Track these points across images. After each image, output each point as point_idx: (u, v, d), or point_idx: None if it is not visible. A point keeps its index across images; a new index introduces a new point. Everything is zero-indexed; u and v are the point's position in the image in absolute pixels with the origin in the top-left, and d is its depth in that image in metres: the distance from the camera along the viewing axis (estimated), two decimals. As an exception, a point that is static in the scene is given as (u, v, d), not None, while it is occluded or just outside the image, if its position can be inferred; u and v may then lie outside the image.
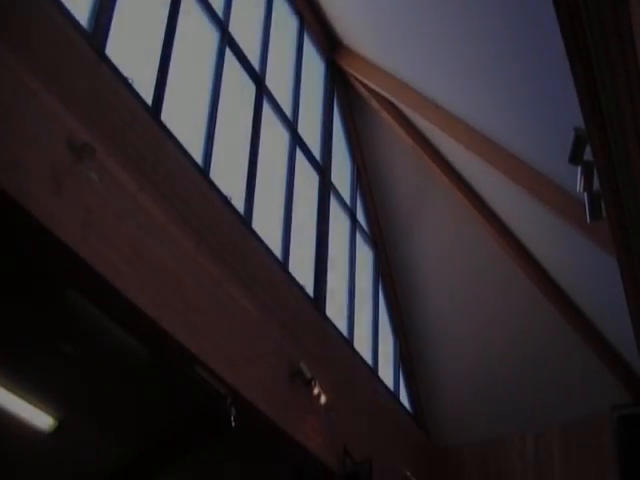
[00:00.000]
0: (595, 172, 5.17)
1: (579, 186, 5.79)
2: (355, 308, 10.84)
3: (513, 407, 11.50)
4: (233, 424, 6.81)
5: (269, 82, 9.38)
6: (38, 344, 7.94)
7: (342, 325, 10.31)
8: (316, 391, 8.19)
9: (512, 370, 11.40)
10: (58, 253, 5.24)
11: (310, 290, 9.51)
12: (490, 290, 11.39)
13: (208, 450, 9.65)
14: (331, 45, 11.32)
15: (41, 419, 8.96)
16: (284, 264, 8.88)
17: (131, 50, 6.76)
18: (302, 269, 9.38)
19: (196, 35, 8.09)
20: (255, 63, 9.17)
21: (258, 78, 9.16)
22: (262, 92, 9.17)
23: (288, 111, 9.87)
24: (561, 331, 10.81)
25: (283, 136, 9.78)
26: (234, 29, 8.66)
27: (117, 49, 6.34)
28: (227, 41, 8.47)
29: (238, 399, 6.91)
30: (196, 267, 6.67)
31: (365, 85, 10.94)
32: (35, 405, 8.75)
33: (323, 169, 10.64)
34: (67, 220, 5.18)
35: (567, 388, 11.09)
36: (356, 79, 11.08)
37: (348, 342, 10.28)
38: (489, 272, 11.30)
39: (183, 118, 7.33)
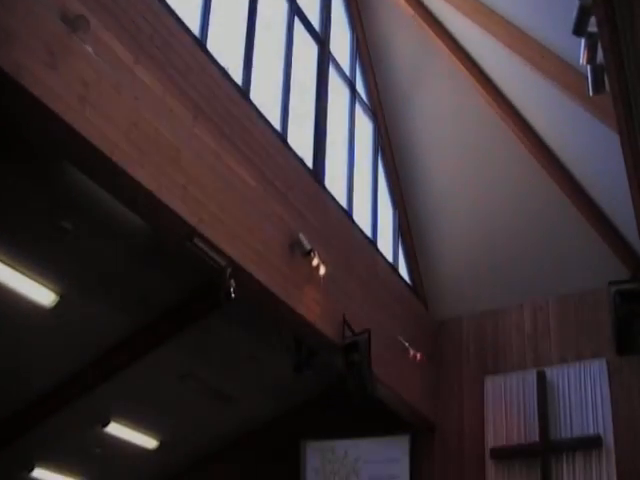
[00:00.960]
0: (599, 45, 5.24)
1: (582, 59, 5.86)
2: (354, 180, 11.07)
3: (511, 280, 11.91)
4: (233, 296, 7.11)
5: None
6: (38, 220, 8.24)
7: (341, 197, 10.58)
8: (315, 262, 8.50)
9: (511, 243, 11.74)
10: (55, 128, 5.41)
11: (309, 162, 9.72)
12: (490, 164, 11.59)
13: (209, 322, 10.10)
14: None
15: (42, 294, 9.36)
16: (283, 136, 9.05)
17: None
18: (301, 142, 9.55)
19: None
20: None
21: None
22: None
23: (286, -20, 9.76)
24: (560, 206, 11.07)
25: (282, 5, 9.70)
26: None
27: None
28: None
29: (237, 271, 7.23)
30: (194, 140, 6.85)
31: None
32: (36, 280, 9.12)
33: (322, 39, 10.61)
34: (63, 94, 5.33)
35: (565, 263, 11.47)
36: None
37: (347, 214, 10.58)
38: (489, 145, 11.47)
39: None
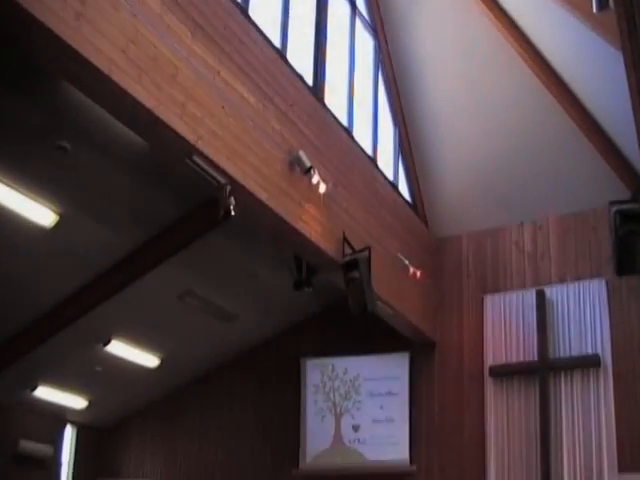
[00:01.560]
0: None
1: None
2: (355, 98, 11.12)
3: (511, 199, 12.11)
4: (232, 213, 7.27)
5: None
6: (36, 140, 8.31)
7: (342, 115, 10.64)
8: (315, 180, 8.64)
9: (512, 162, 11.88)
10: (52, 46, 5.47)
11: (309, 79, 9.76)
12: (492, 82, 11.62)
13: (208, 240, 10.27)
14: None
15: (42, 214, 9.50)
16: (282, 53, 9.07)
17: None
18: (301, 59, 9.56)
19: None
20: None
21: None
22: None
23: None
24: (562, 125, 11.16)
25: None
26: None
27: None
28: None
29: (237, 188, 7.39)
30: (193, 57, 6.92)
31: None
32: (35, 201, 9.25)
33: (321, -47, 10.49)
34: (59, 11, 5.36)
35: (566, 182, 11.65)
36: None
37: (348, 132, 10.66)
38: (491, 64, 11.48)
39: None
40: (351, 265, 9.15)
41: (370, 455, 12.58)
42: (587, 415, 11.03)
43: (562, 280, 11.81)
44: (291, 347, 13.64)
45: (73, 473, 15.18)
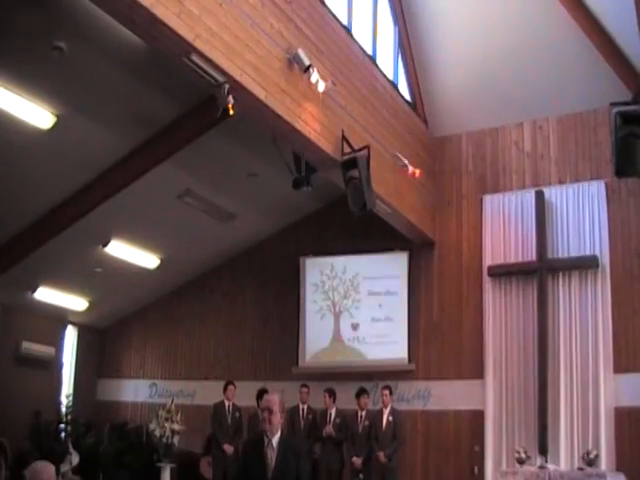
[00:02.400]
0: None
1: None
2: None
3: (512, 99, 12.25)
4: (231, 112, 7.44)
5: None
6: (33, 42, 8.44)
7: (341, 13, 10.66)
8: (314, 78, 8.75)
9: (512, 62, 11.93)
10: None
11: (308, -25, 9.75)
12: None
13: (207, 140, 10.50)
14: None
15: (39, 116, 9.70)
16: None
17: None
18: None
19: None
20: None
21: None
22: None
23: None
24: (564, 24, 11.21)
25: None
26: None
27: None
28: None
29: (235, 87, 7.54)
30: (190, -47, 6.95)
31: None
32: (33, 102, 9.44)
33: None
34: None
35: (567, 83, 11.77)
36: None
37: (347, 30, 10.72)
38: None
39: None
40: (350, 164, 9.35)
41: (369, 353, 13.04)
42: (584, 316, 11.47)
43: (561, 181, 12.10)
44: (290, 246, 14.00)
45: (75, 373, 15.82)
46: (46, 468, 5.70)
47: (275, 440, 5.71)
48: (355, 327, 13.21)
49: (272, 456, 5.67)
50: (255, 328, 14.46)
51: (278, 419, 5.74)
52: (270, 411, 5.71)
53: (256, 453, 5.73)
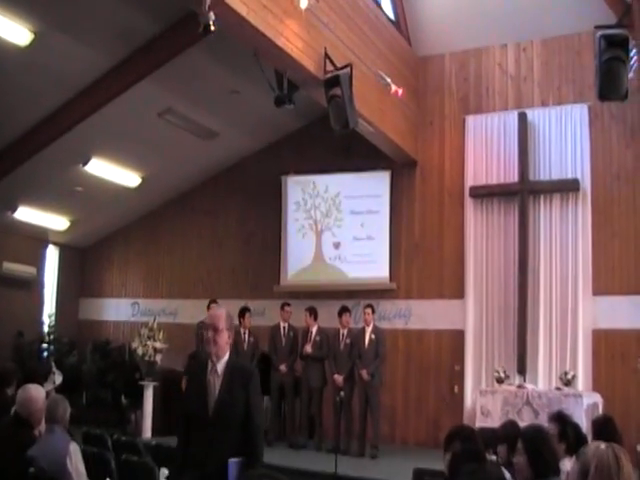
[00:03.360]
0: None
1: None
2: None
3: (496, 20, 12.25)
4: (212, 28, 7.45)
5: None
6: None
7: None
8: (297, -5, 8.80)
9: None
10: None
11: None
12: None
13: (189, 57, 10.57)
14: None
15: (17, 33, 9.73)
16: None
17: None
18: None
19: None
20: None
21: None
22: None
23: None
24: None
25: None
26: None
27: None
28: None
29: (216, 3, 7.51)
30: None
31: None
32: (10, 19, 9.46)
33: None
34: None
35: (552, 5, 11.80)
36: None
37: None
38: None
39: None
40: (333, 82, 9.48)
41: (350, 272, 13.38)
42: (564, 238, 11.79)
43: (544, 104, 12.27)
44: (272, 164, 14.16)
45: (56, 293, 16.17)
46: (39, 394, 5.97)
47: (221, 365, 4.94)
48: (337, 246, 13.50)
49: (216, 384, 4.90)
50: (237, 246, 14.75)
51: (225, 339, 4.95)
52: (215, 329, 4.93)
53: (197, 380, 4.97)
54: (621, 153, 11.68)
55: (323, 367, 11.82)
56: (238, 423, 4.87)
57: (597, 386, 11.14)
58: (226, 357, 4.98)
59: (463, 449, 4.56)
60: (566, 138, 11.92)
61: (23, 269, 14.83)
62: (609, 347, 11.34)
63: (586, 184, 11.70)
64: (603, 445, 3.19)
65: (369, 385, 11.16)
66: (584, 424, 8.18)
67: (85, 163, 13.21)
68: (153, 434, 11.77)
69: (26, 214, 14.37)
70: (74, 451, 5.58)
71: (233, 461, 4.69)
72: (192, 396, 5.01)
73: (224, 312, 5.08)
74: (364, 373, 11.10)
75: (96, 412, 14.14)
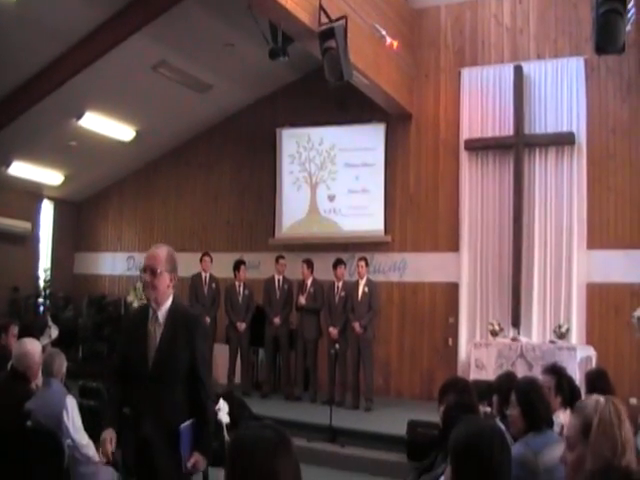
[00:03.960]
0: None
1: None
2: None
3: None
4: None
5: None
6: None
7: None
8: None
9: None
10: None
11: None
12: None
13: (183, 9, 10.46)
14: None
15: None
16: None
17: None
18: None
19: None
20: None
21: None
22: None
23: None
24: None
25: None
26: None
27: None
28: None
29: None
30: None
31: None
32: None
33: None
34: None
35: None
36: None
37: None
38: None
39: None
40: (327, 34, 9.36)
41: (345, 225, 13.38)
42: (559, 192, 11.73)
43: (540, 57, 12.14)
44: (266, 117, 14.10)
45: (52, 248, 16.16)
46: (36, 348, 5.97)
47: (162, 312, 4.45)
48: (331, 199, 13.48)
49: (157, 334, 4.42)
50: (231, 199, 14.73)
51: (166, 282, 4.44)
52: (153, 271, 4.43)
53: (136, 329, 4.50)
54: (617, 107, 11.56)
55: (318, 319, 11.89)
56: (181, 378, 4.37)
57: (591, 340, 11.19)
58: (168, 303, 4.48)
59: (457, 401, 4.59)
60: (562, 91, 11.79)
61: (18, 224, 14.80)
62: (603, 301, 11.38)
63: (582, 138, 11.62)
64: (603, 399, 3.19)
65: (362, 338, 11.22)
66: (577, 377, 8.23)
67: (79, 117, 13.11)
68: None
69: (20, 169, 14.30)
70: (71, 404, 5.61)
71: (185, 426, 4.28)
72: (129, 347, 4.52)
73: (164, 251, 4.53)
74: (357, 326, 11.15)
75: (92, 366, 14.21)
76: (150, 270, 4.42)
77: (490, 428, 3.06)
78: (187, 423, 4.30)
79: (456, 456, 2.94)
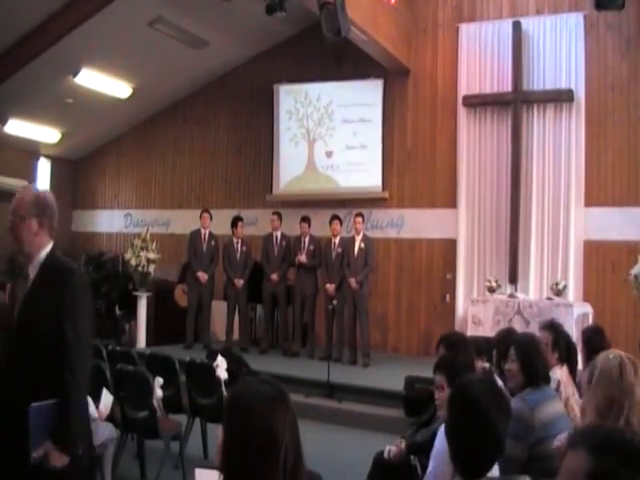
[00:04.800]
0: None
1: None
2: None
3: None
4: None
5: None
6: None
7: None
8: None
9: None
10: None
11: None
12: None
13: None
14: None
15: None
16: None
17: None
18: None
19: None
20: None
21: None
22: None
23: None
24: None
25: None
26: None
27: None
28: None
29: None
30: None
31: None
32: None
33: None
34: None
35: None
36: None
37: None
38: None
39: None
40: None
41: (342, 181, 13.31)
42: (557, 149, 11.66)
43: (539, 12, 11.97)
44: (264, 73, 13.97)
45: (50, 206, 15.95)
46: None
47: (35, 265, 3.74)
48: (329, 155, 13.39)
49: (25, 291, 3.74)
50: (229, 156, 14.64)
51: (32, 230, 3.71)
52: (14, 217, 3.74)
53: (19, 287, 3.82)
54: (616, 64, 11.43)
55: (315, 275, 11.88)
56: (44, 345, 3.58)
57: (588, 297, 11.20)
58: (42, 256, 3.73)
59: (453, 356, 4.59)
60: (561, 48, 11.65)
61: (15, 183, 14.58)
62: (600, 258, 11.36)
63: (580, 94, 11.50)
64: (615, 354, 3.20)
65: (358, 294, 11.21)
66: (574, 334, 8.23)
67: (75, 74, 12.98)
68: (147, 344, 11.87)
69: (16, 127, 14.19)
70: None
71: (37, 406, 3.51)
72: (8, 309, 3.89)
73: (30, 194, 3.79)
74: (353, 282, 11.13)
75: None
76: (12, 215, 3.72)
77: (480, 378, 3.09)
78: (43, 403, 3.54)
79: (448, 404, 2.96)
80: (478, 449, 2.72)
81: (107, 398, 6.02)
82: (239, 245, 12.08)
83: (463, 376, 3.21)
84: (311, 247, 11.82)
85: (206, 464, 5.83)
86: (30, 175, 15.29)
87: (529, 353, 4.37)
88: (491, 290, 11.11)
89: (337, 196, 13.24)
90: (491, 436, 2.73)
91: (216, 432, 2.49)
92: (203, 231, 12.24)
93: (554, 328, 5.46)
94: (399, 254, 12.86)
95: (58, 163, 16.14)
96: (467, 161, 12.23)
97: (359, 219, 11.47)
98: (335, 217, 11.71)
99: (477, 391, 2.84)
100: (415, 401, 8.08)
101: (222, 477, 2.34)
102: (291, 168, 13.67)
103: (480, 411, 2.74)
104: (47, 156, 15.83)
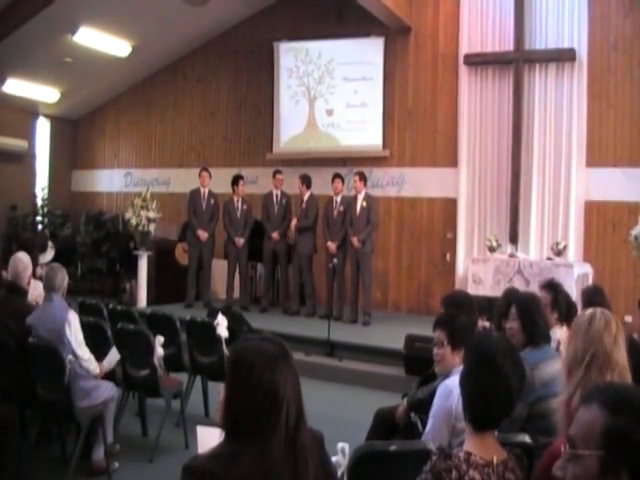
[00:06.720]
0: None
1: None
2: None
3: None
4: None
5: None
6: None
7: None
8: None
9: None
10: None
11: None
12: None
13: None
14: None
15: None
16: None
17: None
18: None
19: None
20: None
21: None
22: None
23: None
24: None
25: None
26: None
27: None
28: None
29: None
30: None
31: None
32: None
33: None
34: None
35: None
36: None
37: None
38: None
39: None
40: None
41: (343, 139, 13.23)
42: (559, 109, 11.54)
43: (542, -31, 11.76)
44: (264, 31, 13.83)
45: (49, 166, 16.06)
46: (22, 256, 6.00)
47: None
48: (330, 113, 13.30)
49: None
50: (229, 114, 14.54)
51: None
52: None
53: None
54: (619, 23, 11.26)
55: (313, 235, 11.83)
56: None
57: (588, 257, 11.19)
58: None
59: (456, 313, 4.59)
60: (563, 6, 11.46)
61: (14, 142, 14.70)
62: (601, 218, 11.33)
63: (582, 54, 11.36)
64: (594, 309, 3.24)
65: (360, 252, 11.19)
66: (574, 294, 8.25)
67: (73, 33, 12.84)
68: (148, 303, 11.90)
69: (15, 86, 14.07)
70: (73, 318, 5.60)
71: None
72: None
73: None
74: (355, 240, 11.11)
75: (91, 282, 14.36)
76: None
77: (500, 337, 3.16)
78: None
79: (466, 354, 3.07)
80: (489, 399, 2.73)
81: (114, 356, 6.08)
82: (239, 204, 12.05)
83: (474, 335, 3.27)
84: (304, 206, 11.76)
85: (207, 422, 5.84)
86: (29, 135, 15.31)
87: (530, 312, 4.38)
88: (491, 249, 11.10)
89: (338, 154, 13.17)
90: (503, 389, 2.74)
91: (217, 389, 2.49)
92: (202, 190, 12.19)
93: (554, 288, 5.46)
94: (400, 213, 12.83)
95: (57, 123, 16.05)
96: (468, 120, 12.13)
97: (358, 178, 11.36)
98: (337, 175, 11.65)
99: (495, 345, 2.87)
100: (415, 359, 8.11)
101: (223, 434, 2.35)
102: (291, 126, 13.58)
103: (495, 362, 2.76)
104: (46, 116, 15.73)
